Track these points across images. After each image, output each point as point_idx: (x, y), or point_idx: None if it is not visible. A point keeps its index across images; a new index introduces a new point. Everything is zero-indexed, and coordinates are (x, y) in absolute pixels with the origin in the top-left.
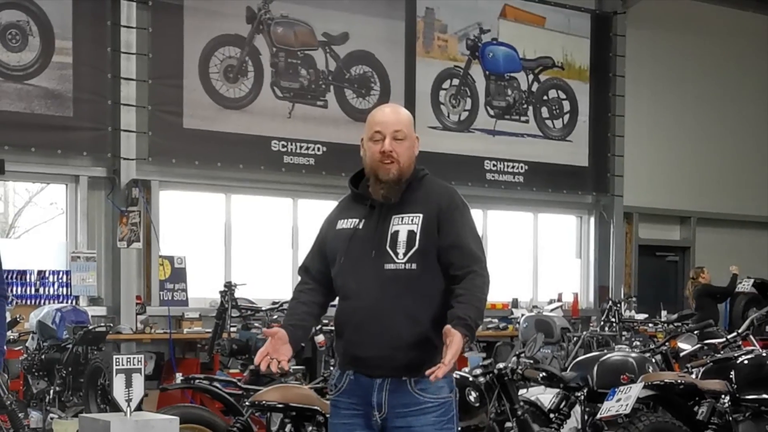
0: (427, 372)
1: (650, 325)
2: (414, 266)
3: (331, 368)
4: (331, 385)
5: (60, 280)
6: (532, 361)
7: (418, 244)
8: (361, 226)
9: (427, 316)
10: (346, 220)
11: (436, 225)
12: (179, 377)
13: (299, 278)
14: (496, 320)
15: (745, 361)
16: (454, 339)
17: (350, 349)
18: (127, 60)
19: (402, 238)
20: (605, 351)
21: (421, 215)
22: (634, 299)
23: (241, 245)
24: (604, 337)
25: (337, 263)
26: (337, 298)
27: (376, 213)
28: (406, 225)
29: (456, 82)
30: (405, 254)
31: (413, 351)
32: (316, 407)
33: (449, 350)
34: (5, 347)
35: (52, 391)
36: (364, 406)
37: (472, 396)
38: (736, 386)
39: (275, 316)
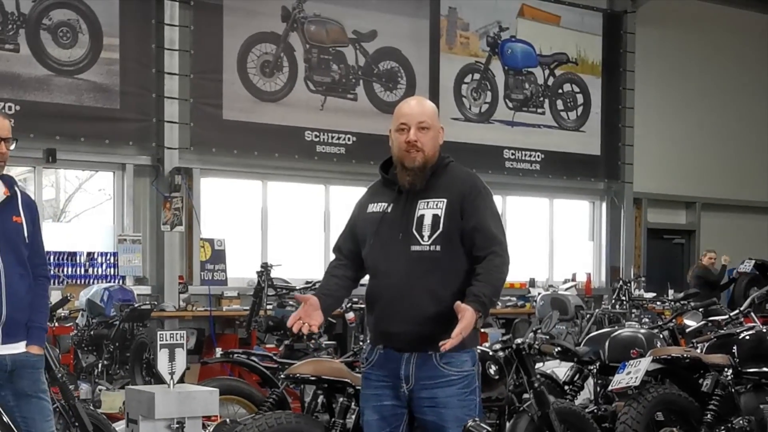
0: (439, 344)
1: (658, 303)
2: (438, 248)
3: (361, 343)
4: (362, 359)
5: (108, 261)
6: (548, 337)
7: (442, 227)
8: (389, 210)
9: (451, 294)
10: (376, 204)
11: (460, 209)
12: (219, 352)
13: (333, 256)
14: (514, 298)
15: (747, 337)
16: (465, 314)
17: (380, 325)
18: (171, 56)
19: (427, 221)
20: (616, 327)
21: (445, 200)
22: (643, 279)
23: (277, 229)
24: (615, 314)
25: (368, 244)
26: (368, 277)
27: (403, 198)
28: (431, 209)
29: (477, 76)
30: (430, 237)
31: (437, 327)
32: (346, 380)
33: (459, 324)
34: (54, 324)
35: (100, 365)
36: (393, 378)
37: (492, 369)
38: (738, 360)
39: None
